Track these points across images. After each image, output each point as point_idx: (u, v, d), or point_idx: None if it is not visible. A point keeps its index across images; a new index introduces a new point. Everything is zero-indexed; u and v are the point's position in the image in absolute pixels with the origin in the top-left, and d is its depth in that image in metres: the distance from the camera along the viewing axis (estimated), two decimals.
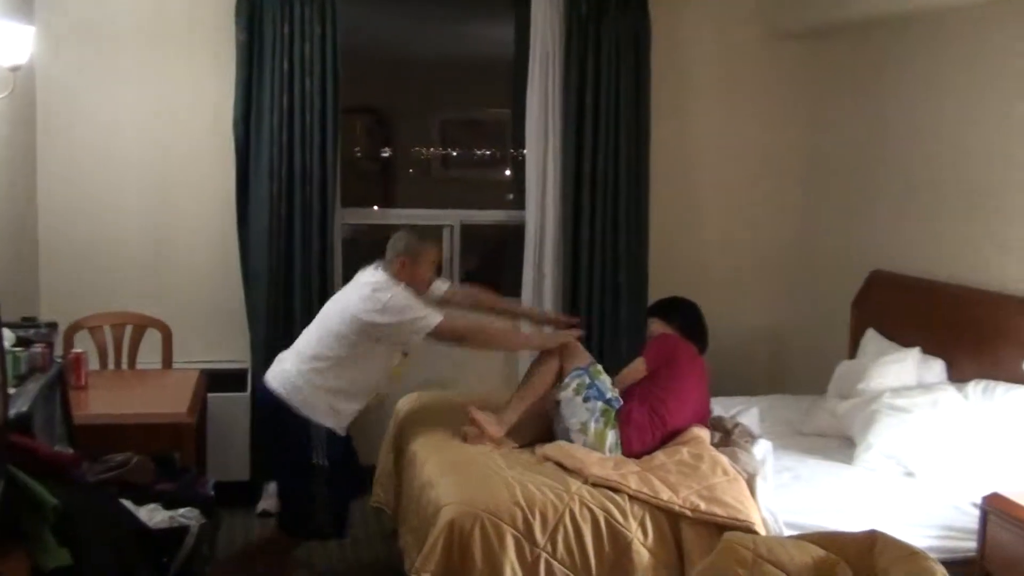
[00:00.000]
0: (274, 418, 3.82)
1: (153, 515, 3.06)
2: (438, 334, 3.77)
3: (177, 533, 3.01)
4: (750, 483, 3.59)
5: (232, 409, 4.94)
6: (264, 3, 4.94)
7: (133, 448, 3.51)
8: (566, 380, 3.99)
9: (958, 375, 4.26)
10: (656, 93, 5.42)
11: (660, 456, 3.75)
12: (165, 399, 4.00)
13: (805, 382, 5.35)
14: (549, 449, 3.84)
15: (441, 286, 4.18)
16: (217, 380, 4.87)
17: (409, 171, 8.99)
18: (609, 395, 3.92)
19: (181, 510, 3.13)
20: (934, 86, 4.71)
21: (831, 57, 5.56)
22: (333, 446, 3.80)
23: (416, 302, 3.79)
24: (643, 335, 5.36)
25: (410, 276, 3.86)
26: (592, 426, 3.85)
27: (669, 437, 3.88)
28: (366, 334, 3.73)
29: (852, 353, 5.00)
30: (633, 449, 3.84)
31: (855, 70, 5.37)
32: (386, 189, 8.63)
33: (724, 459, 3.69)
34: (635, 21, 5.31)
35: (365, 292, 3.77)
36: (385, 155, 8.19)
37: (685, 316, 4.24)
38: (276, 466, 4.16)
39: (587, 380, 3.96)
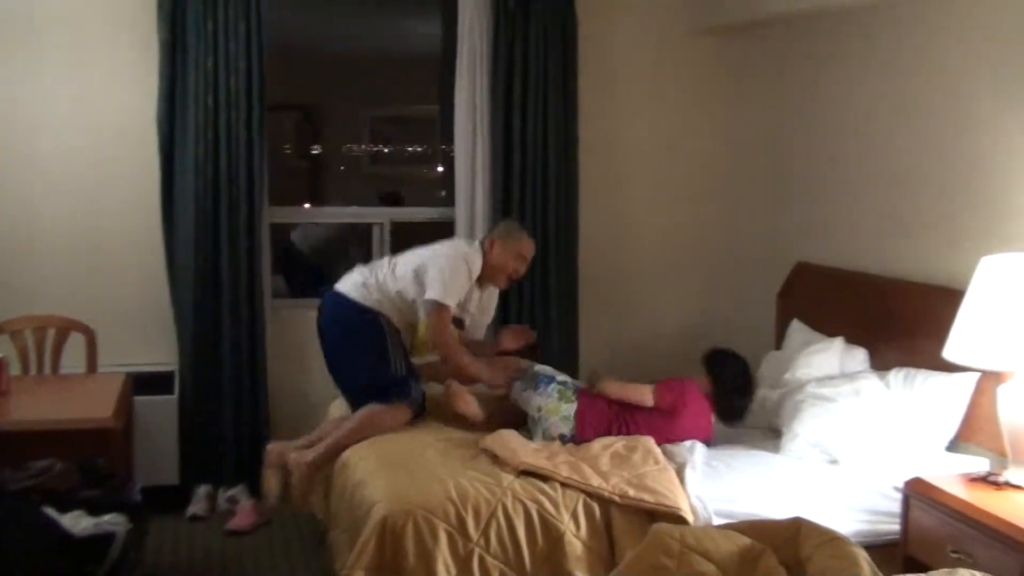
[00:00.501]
0: (348, 321, 4.26)
1: (77, 522, 3.01)
2: (437, 315, 4.14)
3: (103, 540, 2.96)
4: (680, 472, 3.64)
5: (159, 412, 4.87)
6: (187, 1, 4.87)
7: (58, 455, 3.46)
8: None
9: (880, 363, 4.35)
10: (583, 87, 5.45)
11: (595, 446, 3.79)
12: (89, 404, 3.92)
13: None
14: (489, 439, 3.87)
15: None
16: (144, 383, 4.80)
17: (340, 168, 8.95)
18: (560, 377, 4.09)
19: (107, 516, 3.09)
20: (851, 79, 4.80)
21: (752, 52, 5.63)
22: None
23: (464, 283, 4.23)
24: (574, 334, 5.47)
25: (494, 258, 4.32)
26: (547, 403, 3.99)
27: None
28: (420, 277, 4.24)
29: (779, 344, 5.08)
30: (586, 434, 3.93)
31: (775, 65, 5.44)
32: (315, 186, 8.58)
33: (656, 450, 3.74)
34: (562, 13, 5.33)
35: (448, 241, 4.41)
36: (315, 152, 8.13)
37: (727, 376, 4.12)
38: (354, 368, 4.31)
39: (532, 372, 4.13)
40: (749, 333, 5.44)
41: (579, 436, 3.96)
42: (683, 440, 3.94)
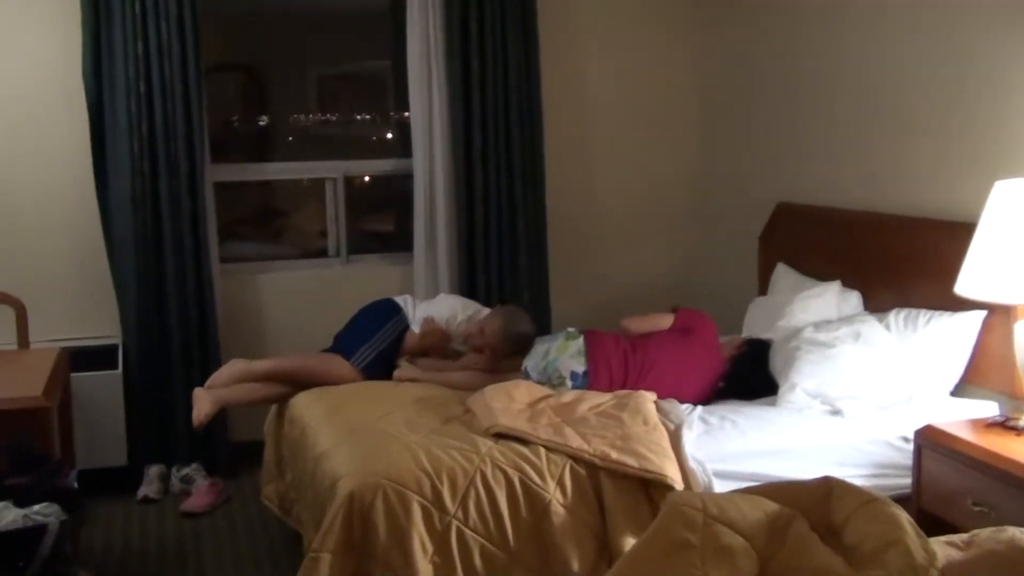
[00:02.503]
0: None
1: (3, 515, 2.66)
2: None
3: (33, 533, 2.61)
4: (675, 434, 3.34)
5: (103, 389, 4.51)
6: None
7: None
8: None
9: (875, 306, 4.08)
10: (542, 24, 5.10)
11: (583, 405, 3.50)
12: (18, 382, 3.53)
13: (715, 323, 5.14)
14: (472, 399, 3.60)
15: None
16: (84, 358, 4.45)
17: (288, 138, 8.50)
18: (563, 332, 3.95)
19: (37, 507, 2.73)
20: (824, 11, 4.51)
21: None
22: None
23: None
24: (545, 284, 5.17)
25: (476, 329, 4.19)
26: (554, 345, 3.85)
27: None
28: None
29: (763, 290, 4.81)
30: (599, 371, 3.74)
31: (746, 4, 5.14)
32: (262, 152, 8.15)
33: (649, 408, 3.44)
34: None
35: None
36: (262, 124, 7.65)
37: (749, 356, 3.96)
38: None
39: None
40: (731, 279, 5.19)
41: (593, 373, 3.73)
42: (693, 373, 3.74)
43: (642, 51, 5.47)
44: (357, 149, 7.50)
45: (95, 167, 4.58)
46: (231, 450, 4.81)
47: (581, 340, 3.82)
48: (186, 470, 4.64)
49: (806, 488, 2.10)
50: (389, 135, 6.66)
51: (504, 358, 4.05)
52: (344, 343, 4.18)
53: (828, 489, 2.06)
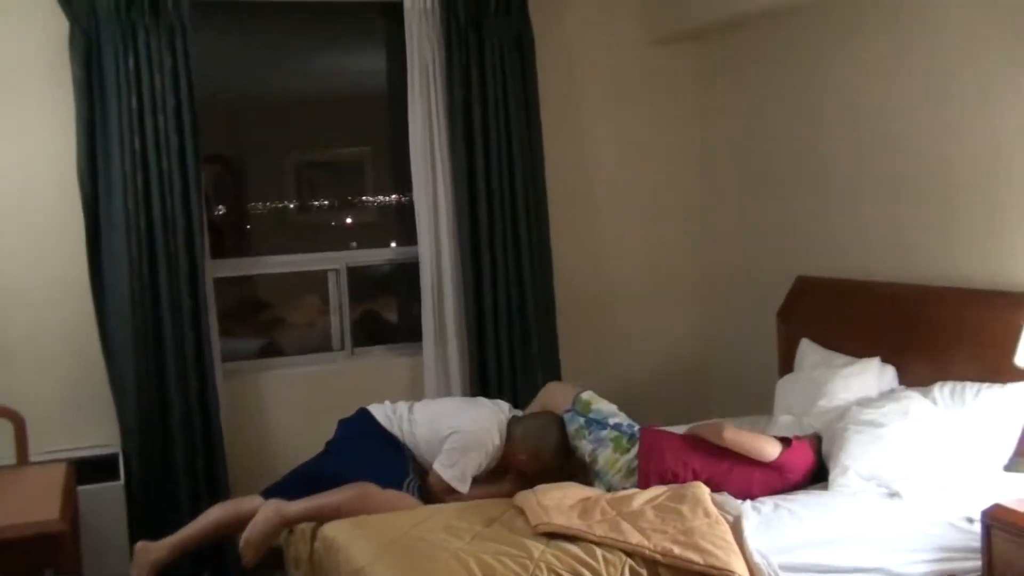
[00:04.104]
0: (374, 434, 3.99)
1: None
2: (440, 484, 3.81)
3: None
4: (736, 526, 3.17)
5: (104, 501, 4.24)
6: (102, 33, 4.32)
7: None
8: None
9: (910, 380, 3.97)
10: (545, 105, 5.03)
11: (638, 499, 3.33)
12: (29, 504, 3.28)
13: (731, 404, 5.02)
14: (521, 496, 3.43)
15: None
16: (83, 470, 4.19)
17: (266, 221, 8.31)
18: (614, 419, 3.75)
19: None
20: (833, 72, 4.49)
21: (720, 57, 5.30)
22: None
23: (478, 465, 3.83)
24: (556, 367, 5.01)
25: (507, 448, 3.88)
26: (600, 453, 3.64)
27: None
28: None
29: (783, 367, 4.67)
30: (650, 484, 3.52)
31: (742, 68, 5.13)
32: (242, 243, 7.96)
33: (707, 500, 3.27)
34: (517, 26, 4.92)
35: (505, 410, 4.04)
36: (254, 211, 7.47)
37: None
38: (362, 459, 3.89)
39: (580, 421, 3.77)
40: (748, 355, 5.08)
41: (642, 484, 3.55)
42: (765, 485, 3.53)
43: (646, 122, 5.42)
44: (337, 234, 7.33)
45: (91, 269, 4.38)
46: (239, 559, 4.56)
47: (631, 459, 3.61)
48: None
49: None
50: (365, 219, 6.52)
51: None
52: (374, 478, 3.74)
53: None
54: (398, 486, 3.69)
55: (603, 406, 3.83)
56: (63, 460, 3.96)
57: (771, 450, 3.54)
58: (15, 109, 4.39)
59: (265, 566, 3.84)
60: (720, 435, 3.59)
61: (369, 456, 3.86)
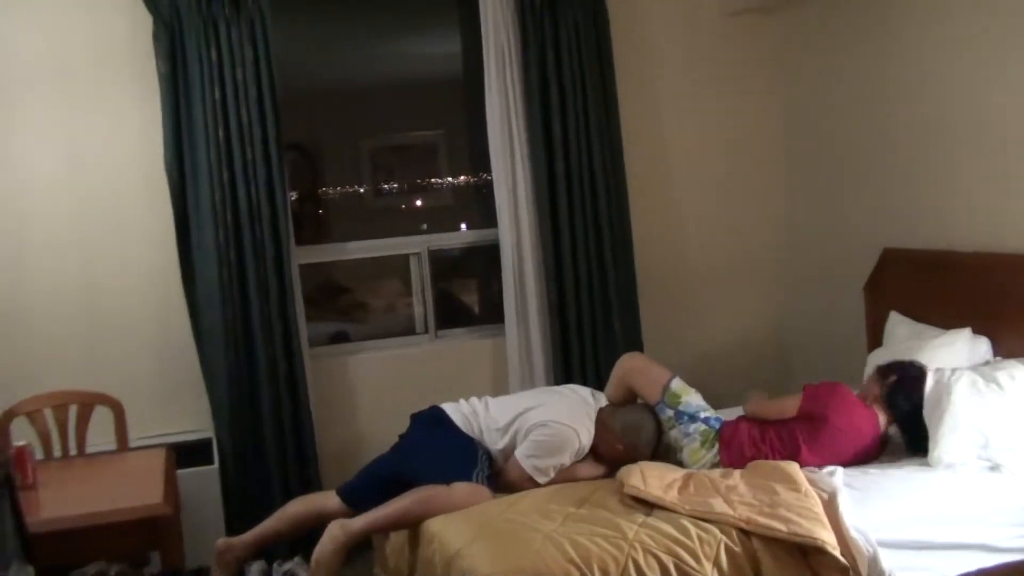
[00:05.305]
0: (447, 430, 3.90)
1: None
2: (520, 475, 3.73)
3: None
4: (831, 503, 3.14)
5: (200, 485, 4.34)
6: (185, 28, 4.40)
7: (101, 554, 2.94)
8: None
9: (1006, 351, 3.89)
10: (621, 82, 5.00)
11: (736, 476, 3.36)
12: (132, 487, 3.38)
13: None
14: (624, 470, 3.47)
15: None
16: (178, 454, 4.28)
17: (339, 209, 8.38)
18: (703, 414, 3.71)
19: None
20: (924, 33, 4.37)
21: (797, 29, 5.21)
22: None
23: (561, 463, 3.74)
24: (638, 346, 4.99)
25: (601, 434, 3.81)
26: (687, 446, 3.64)
27: None
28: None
29: (872, 341, 4.61)
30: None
31: (824, 37, 5.02)
32: (319, 229, 8.05)
33: (799, 476, 3.26)
34: (592, 4, 4.90)
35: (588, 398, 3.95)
36: (328, 196, 7.57)
37: (901, 385, 3.68)
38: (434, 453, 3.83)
39: (669, 413, 3.73)
40: (834, 331, 5.00)
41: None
42: (849, 453, 3.51)
43: (725, 100, 5.35)
44: (420, 219, 7.37)
45: (181, 259, 4.48)
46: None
47: (714, 455, 3.63)
48: (288, 565, 4.43)
49: None
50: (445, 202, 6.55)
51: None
52: (441, 473, 3.67)
53: None
54: (468, 477, 3.62)
55: (692, 398, 3.79)
56: (161, 445, 4.04)
57: (790, 404, 3.65)
58: (104, 104, 4.49)
59: None
60: (749, 412, 3.72)
61: (438, 449, 3.82)
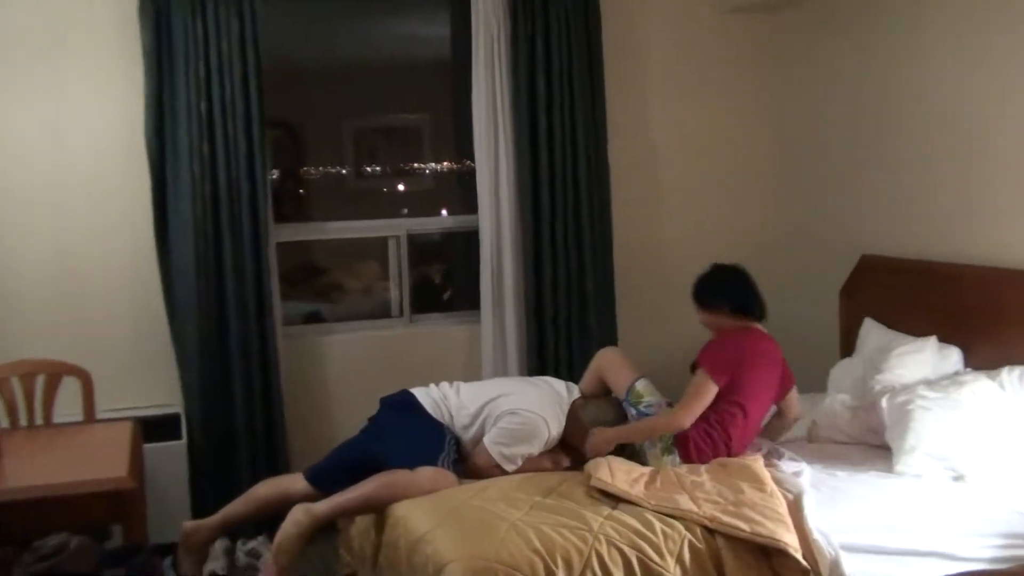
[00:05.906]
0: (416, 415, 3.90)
1: None
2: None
3: None
4: (795, 504, 3.16)
5: (167, 460, 4.33)
6: (171, 0, 4.35)
7: (64, 526, 2.91)
8: None
9: (977, 362, 3.91)
10: (610, 77, 4.99)
11: (703, 474, 3.39)
12: (97, 460, 3.36)
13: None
14: (593, 463, 3.48)
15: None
16: (146, 428, 4.26)
17: (323, 188, 8.34)
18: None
19: None
20: (908, 44, 4.39)
21: (792, 29, 5.21)
22: None
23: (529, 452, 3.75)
24: (614, 342, 4.98)
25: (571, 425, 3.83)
26: (648, 450, 3.59)
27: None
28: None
29: (845, 346, 4.63)
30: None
31: (815, 40, 5.03)
32: (300, 207, 8.01)
33: (765, 476, 3.27)
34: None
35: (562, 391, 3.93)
36: (310, 176, 7.52)
37: (730, 294, 3.82)
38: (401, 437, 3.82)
39: (632, 412, 3.73)
40: (810, 334, 5.00)
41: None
42: (776, 376, 3.65)
43: (713, 101, 5.35)
44: (395, 200, 7.34)
45: (156, 231, 4.44)
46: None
47: (673, 460, 3.59)
48: (252, 543, 4.44)
49: None
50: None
51: None
52: (408, 458, 3.65)
53: None
54: (434, 462, 3.61)
55: (655, 399, 3.75)
56: (128, 419, 4.01)
57: (670, 415, 3.61)
58: (85, 76, 4.44)
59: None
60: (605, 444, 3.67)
61: (406, 433, 3.80)
